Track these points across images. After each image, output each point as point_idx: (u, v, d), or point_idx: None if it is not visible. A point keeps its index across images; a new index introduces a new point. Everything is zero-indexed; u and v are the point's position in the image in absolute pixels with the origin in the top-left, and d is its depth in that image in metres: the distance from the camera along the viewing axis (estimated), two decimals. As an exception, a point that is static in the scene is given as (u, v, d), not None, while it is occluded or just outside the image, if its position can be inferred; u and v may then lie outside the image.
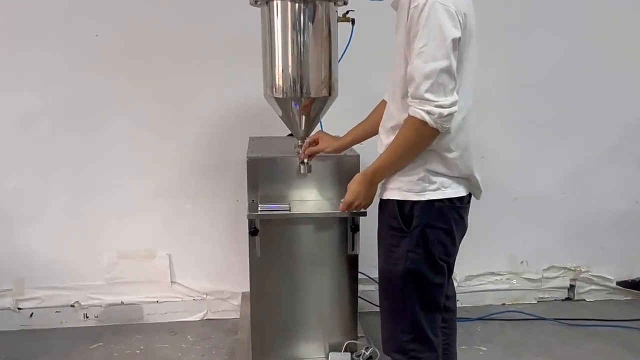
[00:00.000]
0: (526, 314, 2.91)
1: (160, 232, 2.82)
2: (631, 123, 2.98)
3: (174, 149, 2.76)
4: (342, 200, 1.81)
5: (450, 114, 1.50)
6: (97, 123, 2.70)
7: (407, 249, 1.63)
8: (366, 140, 2.02)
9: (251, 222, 2.07)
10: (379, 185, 1.74)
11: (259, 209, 1.99)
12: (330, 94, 2.05)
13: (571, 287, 3.08)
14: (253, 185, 2.10)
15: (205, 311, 2.90)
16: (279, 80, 2.02)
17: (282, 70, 2.00)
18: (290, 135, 2.61)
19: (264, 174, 2.10)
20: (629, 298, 3.11)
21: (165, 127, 2.73)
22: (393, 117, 1.66)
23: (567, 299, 3.11)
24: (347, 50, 2.11)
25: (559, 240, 3.03)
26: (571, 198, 3.00)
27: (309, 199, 2.14)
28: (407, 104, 1.56)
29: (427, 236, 1.62)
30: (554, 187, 2.98)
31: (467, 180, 1.68)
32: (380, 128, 1.76)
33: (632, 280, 3.09)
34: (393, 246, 1.66)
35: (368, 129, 1.97)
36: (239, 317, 2.84)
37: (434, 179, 1.62)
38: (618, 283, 3.08)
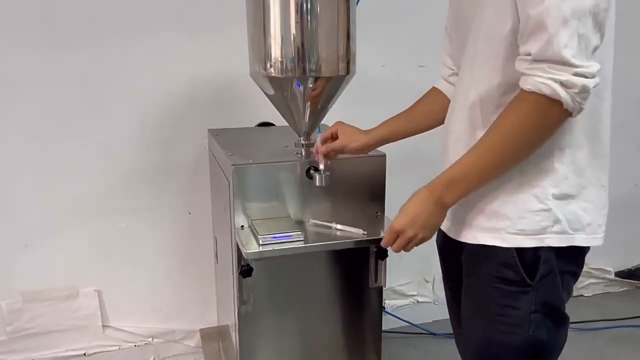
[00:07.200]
0: (532, 319, 2.56)
1: (85, 263, 2.07)
2: (634, 101, 2.69)
3: (96, 149, 2.00)
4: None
5: (593, 87, 0.97)
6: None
7: (532, 310, 1.09)
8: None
9: (240, 259, 1.45)
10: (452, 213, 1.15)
11: (261, 241, 1.36)
12: (348, 72, 1.47)
13: (570, 283, 2.80)
14: (241, 203, 1.47)
15: (152, 358, 2.22)
16: (275, 53, 1.40)
17: (282, 39, 1.38)
18: (264, 124, 2.01)
19: (255, 186, 1.48)
20: (625, 289, 2.89)
21: (84, 120, 1.96)
22: (486, 101, 1.09)
23: (566, 295, 2.82)
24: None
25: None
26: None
27: (313, 217, 1.55)
28: (513, 73, 1.01)
29: (559, 286, 1.10)
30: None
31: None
32: (456, 125, 1.18)
33: (628, 269, 2.87)
34: (506, 307, 1.10)
35: (409, 125, 1.40)
36: (199, 362, 2.22)
37: (560, 213, 1.07)
38: (616, 274, 2.84)
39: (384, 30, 2.22)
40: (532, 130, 1.00)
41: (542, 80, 0.95)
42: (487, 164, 1.05)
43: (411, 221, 1.10)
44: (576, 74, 0.93)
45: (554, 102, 0.95)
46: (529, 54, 0.96)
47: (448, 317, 2.50)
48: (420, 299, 2.54)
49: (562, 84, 0.94)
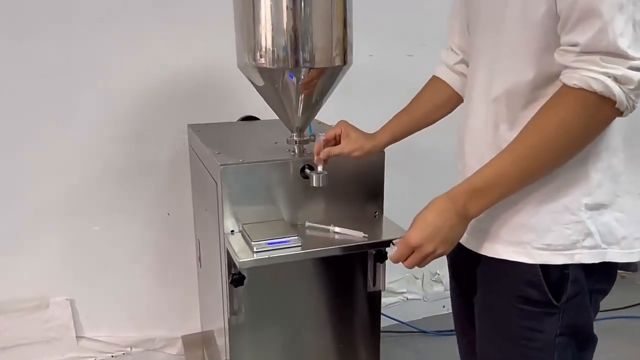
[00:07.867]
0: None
1: (55, 270, 1.93)
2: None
3: (65, 147, 1.86)
4: (394, 240, 1.04)
5: None
6: None
7: (558, 333, 0.99)
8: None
9: (231, 267, 1.34)
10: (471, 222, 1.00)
11: (255, 248, 1.25)
12: (345, 62, 1.36)
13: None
14: (230, 206, 1.35)
15: (131, 369, 2.10)
16: (266, 42, 1.28)
17: (273, 27, 1.26)
18: (248, 118, 1.89)
19: (245, 188, 1.36)
20: (611, 279, 2.89)
21: (51, 116, 1.81)
22: (514, 95, 0.97)
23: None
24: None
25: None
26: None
27: (308, 219, 1.43)
28: (549, 66, 0.91)
29: (587, 307, 1.01)
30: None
31: None
32: (474, 121, 1.06)
33: (614, 259, 2.86)
34: (529, 330, 1.00)
35: (412, 124, 1.30)
36: (182, 370, 2.10)
37: (592, 225, 0.96)
38: (602, 264, 2.82)
39: (369, 18, 2.11)
40: (577, 131, 0.88)
41: (592, 75, 0.83)
42: (522, 170, 0.92)
43: (430, 234, 0.96)
44: (632, 68, 0.82)
45: (605, 100, 0.84)
46: (576, 45, 0.85)
47: (437, 314, 2.47)
48: (409, 296, 2.46)
49: (616, 79, 0.82)
